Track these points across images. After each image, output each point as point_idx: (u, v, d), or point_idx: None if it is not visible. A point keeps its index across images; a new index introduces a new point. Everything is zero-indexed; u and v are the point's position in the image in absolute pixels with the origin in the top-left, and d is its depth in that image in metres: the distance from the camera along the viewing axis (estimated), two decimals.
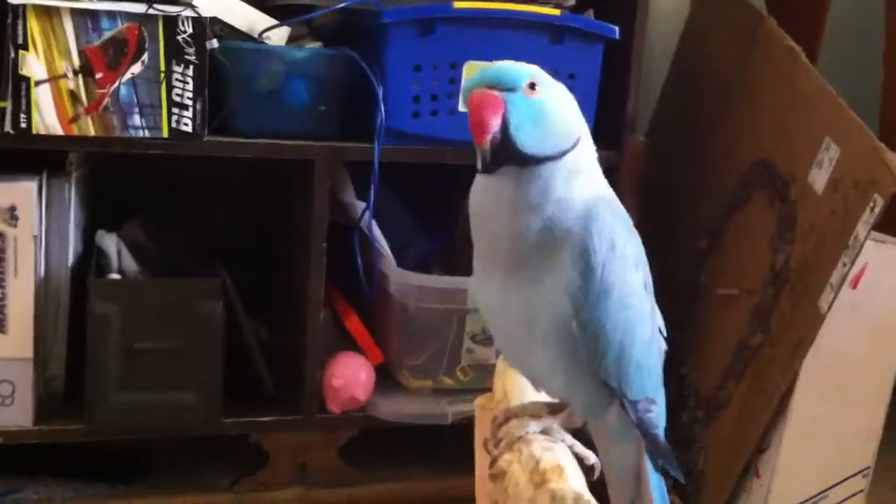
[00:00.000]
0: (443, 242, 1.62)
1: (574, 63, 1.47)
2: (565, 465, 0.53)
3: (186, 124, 1.33)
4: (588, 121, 1.48)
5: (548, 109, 0.61)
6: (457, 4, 1.40)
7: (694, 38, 1.78)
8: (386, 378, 1.55)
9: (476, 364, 1.53)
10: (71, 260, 1.44)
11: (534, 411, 0.63)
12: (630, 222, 0.66)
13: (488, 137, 0.58)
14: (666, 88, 1.84)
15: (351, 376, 1.49)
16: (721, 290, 1.58)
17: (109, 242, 1.50)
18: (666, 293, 1.72)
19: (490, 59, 1.42)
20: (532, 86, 0.61)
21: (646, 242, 1.82)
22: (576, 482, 0.51)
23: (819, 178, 1.39)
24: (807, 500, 1.44)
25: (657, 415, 0.65)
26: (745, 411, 1.48)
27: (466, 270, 1.52)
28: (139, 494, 1.47)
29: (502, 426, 0.61)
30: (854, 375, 1.41)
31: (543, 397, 0.65)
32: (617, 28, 1.48)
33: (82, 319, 1.36)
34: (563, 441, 0.59)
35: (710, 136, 1.69)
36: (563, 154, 0.61)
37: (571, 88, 1.48)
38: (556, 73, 1.45)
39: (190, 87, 1.32)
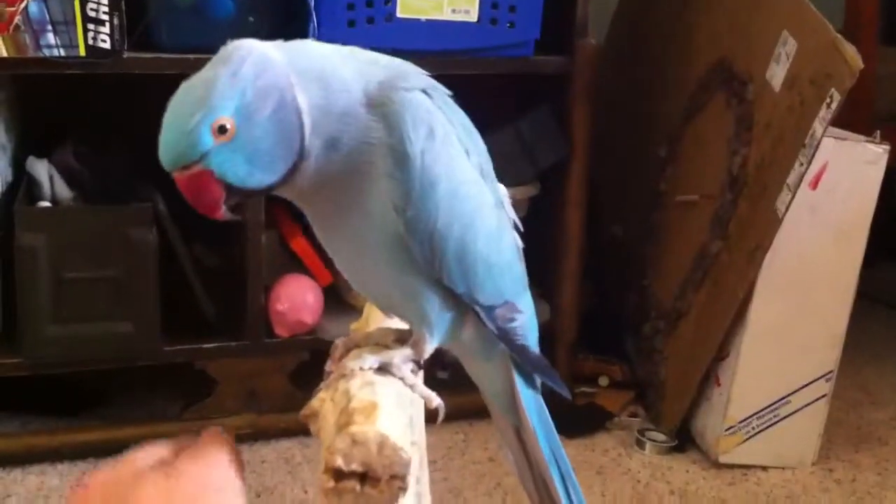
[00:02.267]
0: None
1: None
2: (381, 402, 0.47)
3: (104, 41, 1.25)
4: (535, 22, 1.43)
5: (253, 140, 0.49)
6: None
7: None
8: (335, 299, 1.50)
9: None
10: (0, 188, 1.37)
11: (379, 339, 0.56)
12: (455, 106, 0.56)
13: (223, 214, 0.50)
14: None
15: (297, 299, 1.44)
16: (680, 198, 1.53)
17: (41, 169, 1.43)
18: (626, 203, 1.68)
19: None
20: (221, 129, 0.48)
21: (605, 152, 1.77)
22: (387, 423, 0.45)
23: (777, 75, 1.32)
24: (768, 407, 1.42)
25: (524, 323, 0.57)
26: (703, 320, 1.44)
27: None
28: (88, 426, 1.44)
29: (342, 358, 0.55)
30: (815, 279, 1.37)
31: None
32: None
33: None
34: (401, 379, 0.53)
35: (667, 39, 1.61)
36: (301, 152, 0.50)
37: None
38: None
39: (105, 0, 1.24)
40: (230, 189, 0.49)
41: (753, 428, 1.42)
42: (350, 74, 0.50)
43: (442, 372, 1.60)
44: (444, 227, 0.51)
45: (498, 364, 0.58)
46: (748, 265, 1.34)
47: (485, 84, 1.51)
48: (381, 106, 0.50)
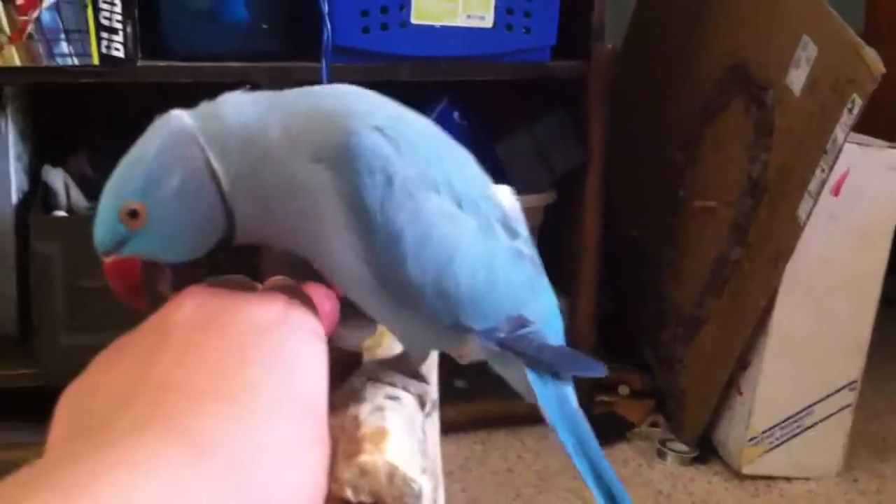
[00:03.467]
0: None
1: None
2: (391, 428, 0.45)
3: (117, 49, 1.25)
4: (551, 27, 1.41)
5: (169, 216, 0.47)
6: None
7: None
8: (352, 306, 1.49)
9: None
10: (15, 197, 1.37)
11: (398, 368, 0.54)
12: (424, 131, 0.51)
13: (152, 298, 0.49)
14: None
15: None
16: (699, 203, 1.50)
17: (56, 178, 1.43)
18: (645, 208, 1.66)
19: None
20: (133, 214, 0.46)
21: (623, 156, 1.75)
22: (397, 451, 0.43)
23: (797, 80, 1.30)
24: (791, 417, 1.39)
25: (538, 328, 0.53)
26: (724, 328, 1.42)
27: None
28: None
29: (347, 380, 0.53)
30: (837, 287, 1.34)
31: None
32: None
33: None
34: (390, 384, 0.50)
35: (685, 43, 1.59)
36: (230, 218, 0.47)
37: None
38: None
39: (118, 8, 1.23)
40: (160, 274, 0.48)
41: (777, 438, 1.40)
42: (285, 122, 0.46)
43: (460, 381, 1.59)
44: (416, 274, 0.48)
45: (513, 365, 0.55)
46: (770, 273, 1.32)
47: (500, 89, 1.50)
48: (329, 156, 0.46)
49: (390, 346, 0.57)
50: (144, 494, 0.29)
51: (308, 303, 0.47)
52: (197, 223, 0.47)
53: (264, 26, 1.33)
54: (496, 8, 1.37)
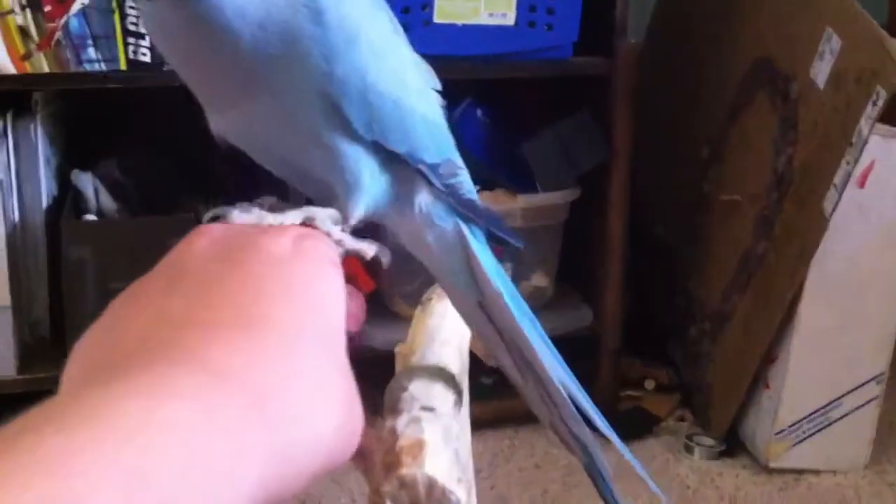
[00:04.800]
0: None
1: None
2: (428, 440, 0.46)
3: (144, 54, 1.27)
4: (573, 24, 1.42)
5: None
6: None
7: None
8: (378, 306, 1.50)
9: None
10: (46, 202, 1.39)
11: (434, 373, 0.54)
12: None
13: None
14: None
15: None
16: (724, 196, 1.50)
17: (86, 182, 1.46)
18: (670, 204, 1.66)
19: None
20: None
21: (647, 152, 1.75)
22: (434, 462, 0.44)
23: (821, 73, 1.30)
24: (818, 410, 1.39)
25: (465, 179, 0.53)
26: (751, 323, 1.42)
27: None
28: None
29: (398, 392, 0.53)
30: (864, 280, 1.34)
31: (446, 351, 0.58)
32: None
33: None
34: (327, 233, 0.47)
35: (709, 36, 1.59)
36: None
37: None
38: None
39: None
40: None
41: (804, 432, 1.40)
42: None
43: (486, 378, 1.59)
44: (376, 82, 0.48)
45: (451, 232, 0.54)
46: (796, 266, 1.32)
47: (524, 87, 1.51)
48: None
49: (423, 353, 0.58)
50: (164, 418, 0.29)
51: (320, 232, 0.46)
52: None
53: None
54: (518, 6, 1.38)
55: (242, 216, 0.46)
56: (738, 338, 1.45)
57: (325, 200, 0.50)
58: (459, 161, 0.53)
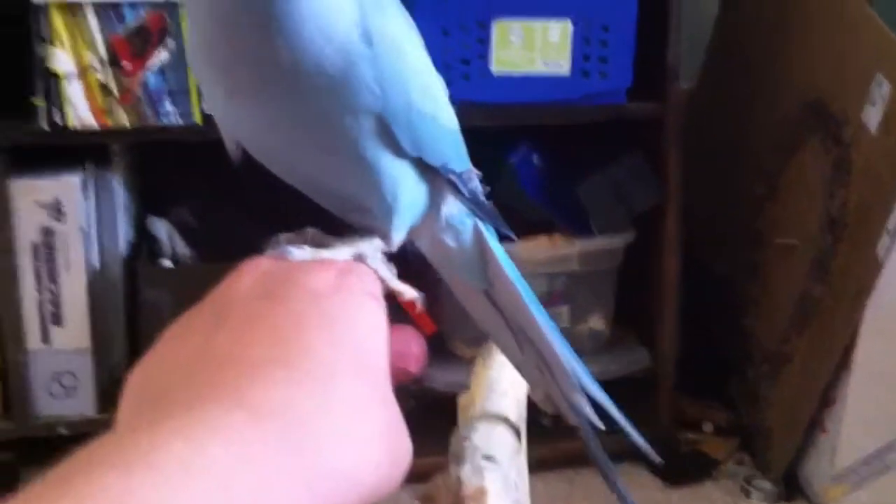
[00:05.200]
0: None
1: (607, 13, 1.41)
2: (489, 488, 0.49)
3: None
4: (627, 71, 1.45)
5: None
6: None
7: None
8: (440, 348, 1.54)
9: None
10: (124, 248, 1.47)
11: (497, 415, 0.57)
12: None
13: None
14: (717, 27, 1.77)
15: (403, 349, 1.48)
16: (780, 241, 1.51)
17: (160, 228, 1.53)
18: (727, 242, 1.68)
19: (518, 14, 1.40)
20: None
21: (703, 190, 1.76)
22: None
23: (873, 117, 1.31)
24: (876, 454, 1.38)
25: (478, 182, 0.56)
26: (808, 365, 1.43)
27: (513, 233, 1.50)
28: None
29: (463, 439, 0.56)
30: None
31: (507, 393, 0.61)
32: None
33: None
34: (376, 270, 0.48)
35: (762, 78, 1.61)
36: None
37: (605, 41, 1.44)
38: (588, 25, 1.41)
39: None
40: None
41: (862, 476, 1.39)
42: None
43: (546, 419, 1.62)
44: (418, 101, 0.50)
45: (470, 232, 0.57)
46: (851, 309, 1.32)
47: (578, 131, 1.54)
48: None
49: (483, 404, 0.62)
50: (202, 463, 0.30)
51: (363, 266, 0.47)
52: None
53: None
54: (573, 55, 1.42)
55: (300, 254, 0.47)
56: (796, 380, 1.46)
57: (358, 220, 0.52)
58: (472, 167, 0.56)
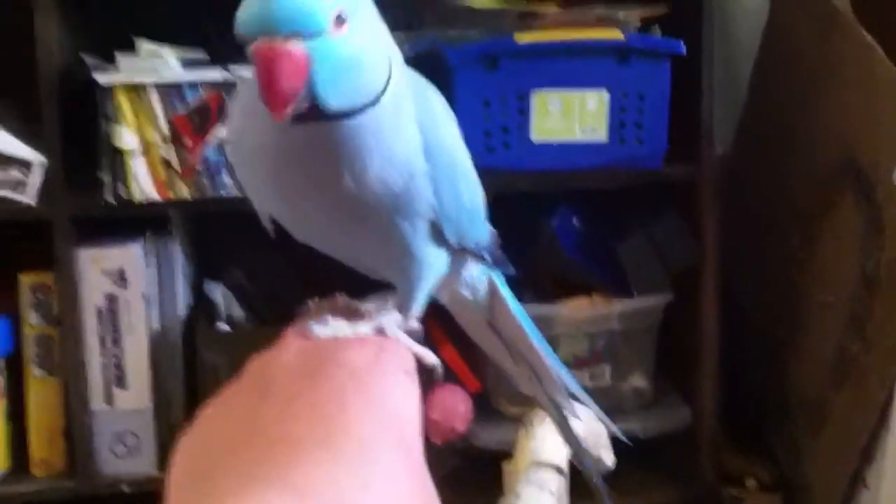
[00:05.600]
0: (526, 268, 1.64)
1: (642, 82, 1.47)
2: None
3: None
4: (662, 137, 1.50)
5: (360, 48, 0.45)
6: (519, 39, 1.43)
7: (775, 39, 1.75)
8: (484, 405, 1.58)
9: None
10: (182, 311, 1.54)
11: (542, 483, 0.62)
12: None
13: (289, 111, 0.43)
14: (751, 91, 1.81)
15: (450, 408, 1.53)
16: (817, 297, 1.55)
17: (216, 292, 1.60)
18: (765, 295, 1.71)
19: (557, 85, 1.46)
20: (339, 20, 0.43)
21: (741, 245, 1.79)
22: None
23: None
24: None
25: (495, 239, 0.62)
26: (848, 420, 1.45)
27: (553, 295, 1.54)
28: None
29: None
30: None
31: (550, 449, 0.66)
32: (682, 43, 1.47)
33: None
34: (398, 339, 0.52)
35: (796, 137, 1.66)
36: (379, 96, 0.47)
37: (641, 108, 1.49)
38: (624, 94, 1.47)
39: None
40: (309, 92, 0.44)
41: None
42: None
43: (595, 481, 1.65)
44: (467, 202, 0.54)
45: (484, 283, 0.62)
46: (888, 366, 1.35)
47: (616, 193, 1.60)
48: (414, 83, 0.51)
49: (527, 472, 0.67)
50: None
51: (398, 343, 0.50)
52: (368, 73, 0.46)
53: None
54: (609, 123, 1.48)
55: (323, 331, 0.50)
56: (836, 435, 1.48)
57: (384, 281, 0.56)
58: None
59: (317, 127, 0.46)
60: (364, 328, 0.51)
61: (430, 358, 0.54)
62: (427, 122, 0.51)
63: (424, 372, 0.53)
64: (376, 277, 0.57)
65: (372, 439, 0.40)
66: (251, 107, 0.47)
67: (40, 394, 1.46)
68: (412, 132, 0.50)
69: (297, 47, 0.42)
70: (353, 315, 0.53)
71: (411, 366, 0.49)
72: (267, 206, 0.53)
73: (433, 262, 0.54)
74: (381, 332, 0.52)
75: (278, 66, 0.42)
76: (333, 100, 0.44)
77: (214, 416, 0.44)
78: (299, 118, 0.44)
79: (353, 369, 0.45)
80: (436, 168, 0.51)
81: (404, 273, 0.54)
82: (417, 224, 0.52)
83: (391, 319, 0.53)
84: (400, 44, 0.49)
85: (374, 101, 0.46)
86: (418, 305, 0.55)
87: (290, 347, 0.47)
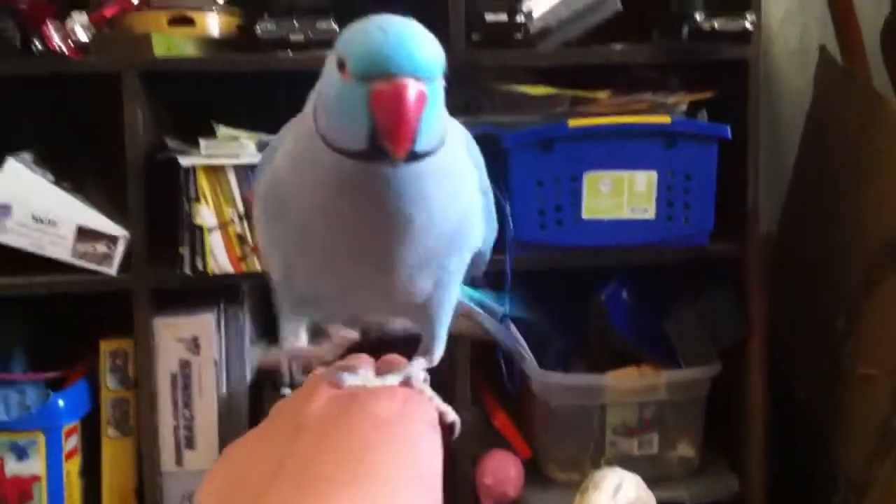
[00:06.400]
0: (576, 339, 1.70)
1: (689, 164, 1.55)
2: None
3: None
4: (708, 216, 1.57)
5: (440, 98, 0.47)
6: (572, 123, 1.52)
7: (819, 122, 1.82)
8: (535, 471, 1.64)
9: (621, 455, 1.60)
10: (249, 377, 1.62)
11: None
12: None
13: (409, 147, 0.45)
14: (796, 172, 1.88)
15: (502, 473, 1.59)
16: (861, 370, 1.59)
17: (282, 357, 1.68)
18: (810, 372, 1.75)
19: (607, 167, 1.54)
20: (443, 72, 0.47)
21: (787, 320, 1.84)
22: None
23: None
24: None
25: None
26: (892, 494, 1.48)
27: (602, 365, 1.60)
28: None
29: None
30: None
31: None
32: (728, 127, 1.54)
33: None
34: (423, 392, 0.53)
35: (840, 218, 1.71)
36: (444, 137, 0.49)
37: (688, 188, 1.56)
38: (672, 175, 1.54)
39: None
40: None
41: None
42: None
43: None
44: (489, 230, 0.56)
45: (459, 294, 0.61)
46: None
47: (664, 268, 1.66)
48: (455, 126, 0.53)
49: None
50: None
51: (422, 396, 0.51)
52: (442, 120, 0.48)
53: None
54: (658, 202, 1.55)
55: (352, 380, 0.51)
56: None
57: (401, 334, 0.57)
58: None
59: (394, 167, 0.46)
60: (392, 379, 0.53)
61: (451, 415, 0.54)
62: (477, 159, 0.54)
63: (444, 428, 0.54)
64: (395, 328, 0.58)
65: (397, 483, 0.42)
66: (309, 155, 0.48)
67: (114, 453, 1.55)
68: (469, 169, 0.53)
69: (422, 86, 0.45)
70: (382, 366, 0.55)
71: (435, 419, 0.50)
72: (305, 259, 0.52)
73: (456, 296, 0.56)
74: (407, 383, 0.53)
75: (409, 105, 0.44)
76: (425, 139, 0.46)
77: (244, 455, 0.46)
78: (369, 157, 0.46)
79: (380, 418, 0.46)
80: (487, 202, 0.55)
81: (432, 313, 0.55)
82: (465, 257, 0.53)
83: (418, 371, 0.54)
84: None
85: (442, 142, 0.48)
86: (442, 344, 0.57)
87: (320, 394, 0.48)
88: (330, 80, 0.47)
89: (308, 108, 0.50)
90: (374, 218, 0.48)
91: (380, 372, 0.53)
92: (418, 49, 0.45)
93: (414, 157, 0.46)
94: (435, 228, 0.49)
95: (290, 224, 0.51)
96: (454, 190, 0.50)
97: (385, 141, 0.44)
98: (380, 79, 0.44)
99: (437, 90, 0.46)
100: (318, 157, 0.47)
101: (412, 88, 0.44)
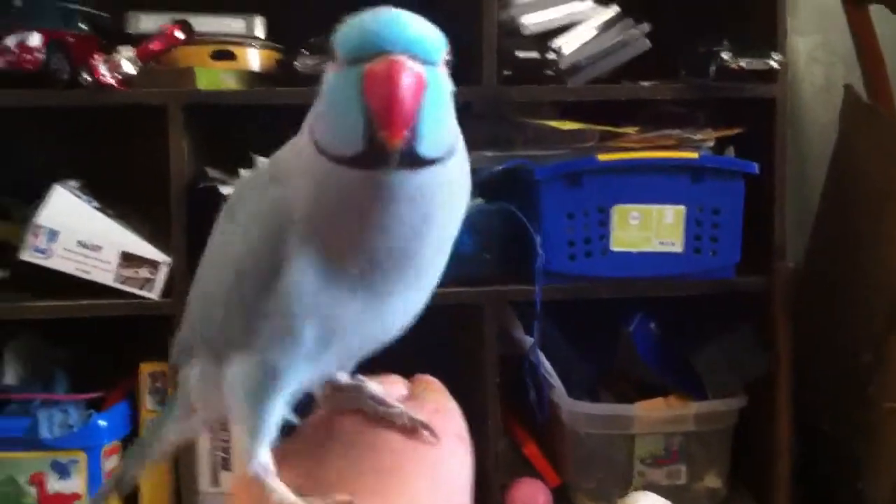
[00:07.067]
0: (604, 369, 1.73)
1: (716, 199, 1.58)
2: None
3: None
4: (735, 250, 1.60)
5: (449, 93, 0.44)
6: (601, 157, 1.55)
7: (844, 158, 1.84)
8: (563, 500, 1.66)
9: (648, 485, 1.61)
10: None
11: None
12: None
13: (406, 135, 0.41)
14: (821, 207, 1.90)
15: (531, 501, 1.62)
16: (888, 404, 1.60)
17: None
18: (835, 405, 1.75)
19: (636, 200, 1.58)
20: (447, 61, 0.43)
21: (813, 354, 1.85)
22: None
23: None
24: None
25: None
26: None
27: (630, 396, 1.62)
28: None
29: None
30: None
31: None
32: (756, 164, 1.57)
33: None
34: (450, 403, 0.53)
35: (865, 252, 1.73)
36: (454, 147, 0.45)
37: (715, 222, 1.59)
38: (700, 209, 1.57)
39: None
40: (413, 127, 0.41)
41: None
42: None
43: None
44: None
45: None
46: None
47: (691, 301, 1.68)
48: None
49: None
50: None
51: (450, 408, 0.51)
52: (450, 122, 0.44)
53: (486, 256, 1.59)
54: (685, 235, 1.58)
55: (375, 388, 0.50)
56: None
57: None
58: None
59: (409, 174, 0.43)
60: (398, 389, 0.52)
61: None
62: (468, 168, 0.49)
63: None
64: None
65: (423, 498, 0.43)
66: (322, 174, 0.45)
67: (153, 474, 1.59)
68: (468, 179, 0.49)
69: (419, 66, 0.41)
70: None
71: (464, 431, 0.50)
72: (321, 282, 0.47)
73: None
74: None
75: (404, 82, 0.40)
76: (429, 140, 0.42)
77: (283, 462, 0.47)
78: (372, 163, 0.42)
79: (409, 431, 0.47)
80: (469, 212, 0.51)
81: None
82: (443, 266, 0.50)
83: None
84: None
85: (453, 152, 0.45)
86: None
87: (349, 411, 0.49)
88: (324, 80, 0.45)
89: (303, 127, 0.47)
90: (389, 230, 0.44)
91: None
92: (411, 26, 0.41)
93: (417, 161, 0.42)
94: (447, 233, 0.47)
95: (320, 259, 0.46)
96: (457, 214, 0.46)
97: (380, 131, 0.40)
98: (372, 59, 0.41)
99: (438, 78, 0.42)
100: (314, 170, 0.44)
101: (407, 66, 0.40)
